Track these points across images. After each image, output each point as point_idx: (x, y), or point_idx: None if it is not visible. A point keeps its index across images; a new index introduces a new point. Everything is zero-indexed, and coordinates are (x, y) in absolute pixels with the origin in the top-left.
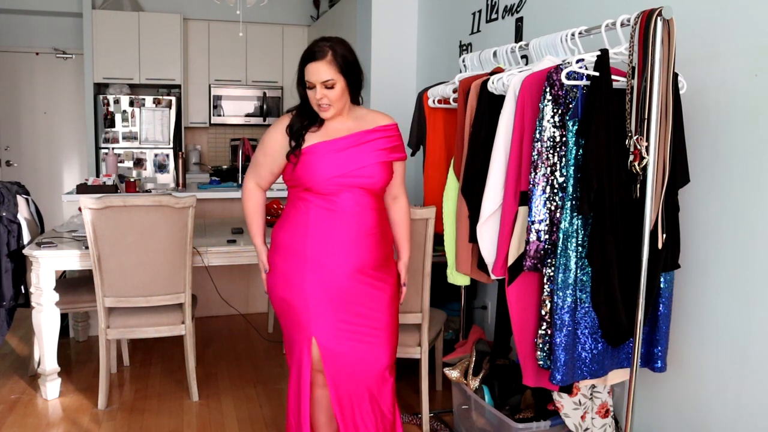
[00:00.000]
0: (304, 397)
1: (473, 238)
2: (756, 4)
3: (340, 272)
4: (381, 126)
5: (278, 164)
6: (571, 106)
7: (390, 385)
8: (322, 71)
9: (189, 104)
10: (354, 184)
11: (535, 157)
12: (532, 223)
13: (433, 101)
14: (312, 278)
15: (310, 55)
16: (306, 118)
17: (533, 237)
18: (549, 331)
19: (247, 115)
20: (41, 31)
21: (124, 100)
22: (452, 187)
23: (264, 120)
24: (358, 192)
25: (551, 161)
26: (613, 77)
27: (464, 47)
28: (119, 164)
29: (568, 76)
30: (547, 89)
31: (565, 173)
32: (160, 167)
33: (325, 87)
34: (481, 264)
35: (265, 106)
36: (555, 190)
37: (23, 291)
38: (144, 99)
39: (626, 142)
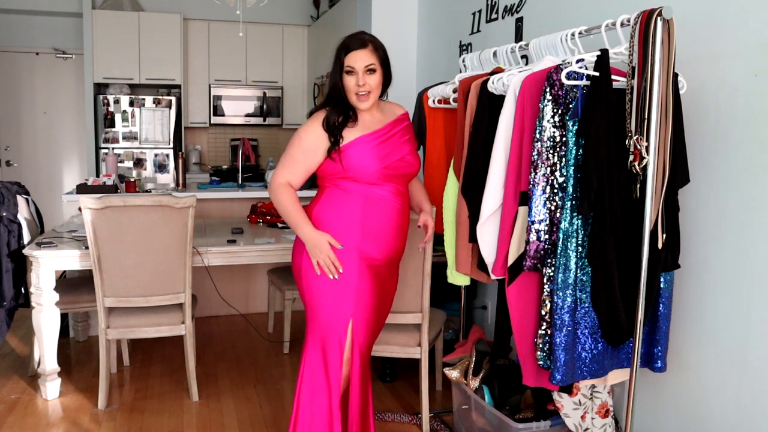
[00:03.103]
0: (335, 382)
1: (473, 238)
2: (756, 4)
3: (379, 258)
4: (400, 116)
5: (316, 161)
6: (571, 106)
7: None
8: (366, 57)
9: (189, 104)
10: (397, 173)
11: (535, 157)
12: (532, 223)
13: (433, 101)
14: (359, 263)
15: (352, 44)
16: (341, 113)
17: (533, 237)
18: (549, 331)
19: (247, 115)
20: (41, 31)
21: (124, 100)
22: (452, 187)
23: (264, 120)
24: (398, 182)
25: (551, 161)
26: (613, 77)
27: (464, 47)
28: (119, 164)
29: (568, 76)
30: (547, 89)
31: (565, 173)
32: (160, 167)
33: (367, 72)
34: (481, 264)
35: (265, 106)
36: (555, 190)
37: (23, 291)
38: (144, 99)
39: (626, 142)
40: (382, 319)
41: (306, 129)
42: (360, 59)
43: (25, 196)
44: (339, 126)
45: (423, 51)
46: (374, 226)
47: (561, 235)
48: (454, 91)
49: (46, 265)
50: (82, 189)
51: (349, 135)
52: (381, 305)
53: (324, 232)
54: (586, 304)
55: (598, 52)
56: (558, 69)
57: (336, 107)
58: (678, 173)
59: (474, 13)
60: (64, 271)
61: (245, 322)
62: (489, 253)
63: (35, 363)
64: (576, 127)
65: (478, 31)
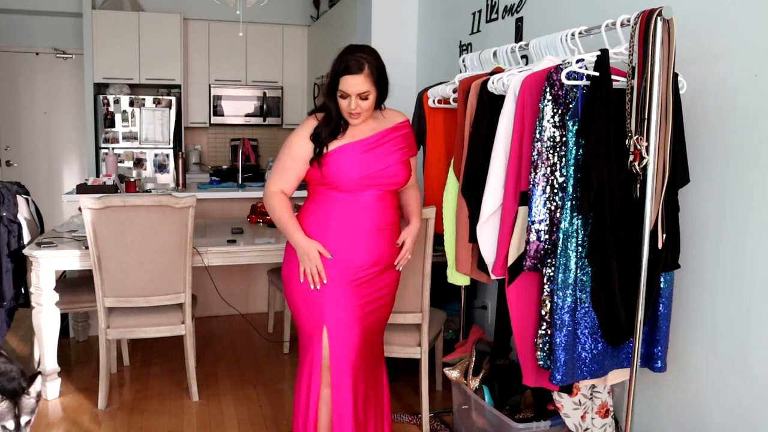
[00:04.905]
0: (313, 394)
1: (473, 238)
2: (756, 4)
3: (359, 265)
4: (398, 123)
5: (305, 168)
6: (571, 106)
7: (383, 368)
8: (359, 84)
9: (189, 104)
10: (378, 183)
11: (535, 157)
12: (532, 223)
13: (433, 101)
14: (332, 269)
15: (347, 68)
16: (332, 127)
17: (533, 237)
18: (549, 331)
19: (247, 115)
20: (41, 31)
21: (124, 100)
22: (452, 187)
23: (264, 120)
24: (381, 191)
25: (551, 161)
26: (613, 77)
27: (464, 47)
28: (119, 164)
29: (568, 76)
30: (547, 89)
31: (565, 173)
32: (160, 167)
33: (360, 98)
34: (481, 264)
35: (265, 106)
36: (555, 190)
37: (23, 291)
38: (144, 99)
39: (626, 142)
40: (370, 328)
41: (296, 136)
42: (354, 85)
43: (25, 196)
44: (325, 140)
45: (423, 51)
46: (351, 234)
47: (561, 235)
48: (454, 91)
49: (46, 265)
50: (82, 189)
51: (334, 143)
52: (365, 314)
53: (314, 241)
54: (586, 304)
55: (598, 52)
56: (558, 69)
57: (328, 119)
58: (678, 173)
59: (474, 13)
60: (64, 271)
61: (245, 322)
62: (489, 253)
63: (35, 363)
64: (576, 127)
65: (478, 31)
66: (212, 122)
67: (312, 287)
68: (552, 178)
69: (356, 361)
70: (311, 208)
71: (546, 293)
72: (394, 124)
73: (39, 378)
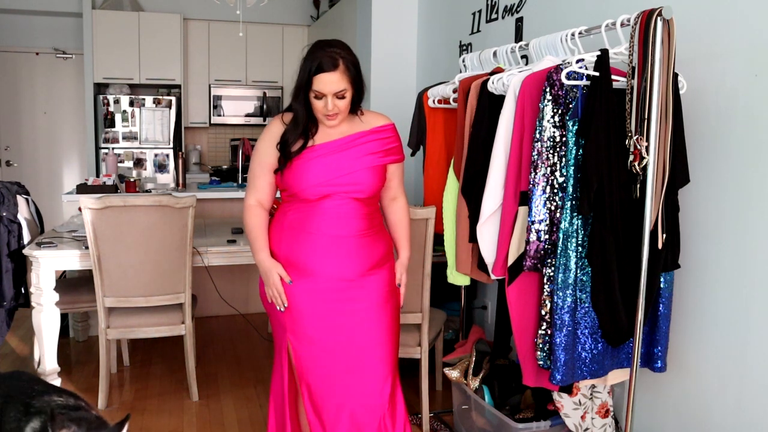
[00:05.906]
0: (286, 405)
1: (473, 238)
2: (756, 4)
3: (319, 279)
4: (377, 127)
5: (274, 175)
6: (571, 106)
7: (399, 400)
8: (335, 82)
9: (189, 104)
10: (339, 191)
11: (535, 157)
12: (532, 223)
13: (433, 101)
14: (302, 281)
15: (320, 65)
16: (300, 132)
17: (533, 237)
18: (549, 331)
19: (247, 115)
20: (41, 31)
21: (124, 100)
22: (452, 187)
23: (264, 120)
24: (343, 199)
25: (551, 161)
26: (613, 77)
27: (464, 47)
28: (119, 164)
29: (568, 76)
30: (547, 89)
31: (565, 173)
32: (160, 167)
33: (336, 98)
34: (481, 264)
35: (265, 106)
36: (555, 190)
37: (23, 291)
38: (144, 99)
39: (626, 142)
40: (342, 348)
41: (262, 141)
42: (330, 83)
43: (25, 196)
44: (291, 153)
45: (423, 51)
46: (301, 245)
47: (561, 235)
48: (454, 91)
49: (46, 265)
50: (82, 189)
51: (297, 146)
52: (334, 332)
53: (277, 263)
54: (586, 304)
55: (598, 52)
56: (558, 69)
57: (295, 123)
58: (678, 173)
59: (474, 13)
60: (64, 271)
61: (245, 322)
62: (489, 253)
63: (35, 363)
64: (576, 127)
65: (478, 31)
66: (212, 122)
67: (279, 309)
68: (552, 178)
69: (327, 376)
70: (274, 218)
71: (546, 293)
72: (372, 128)
73: (126, 426)
